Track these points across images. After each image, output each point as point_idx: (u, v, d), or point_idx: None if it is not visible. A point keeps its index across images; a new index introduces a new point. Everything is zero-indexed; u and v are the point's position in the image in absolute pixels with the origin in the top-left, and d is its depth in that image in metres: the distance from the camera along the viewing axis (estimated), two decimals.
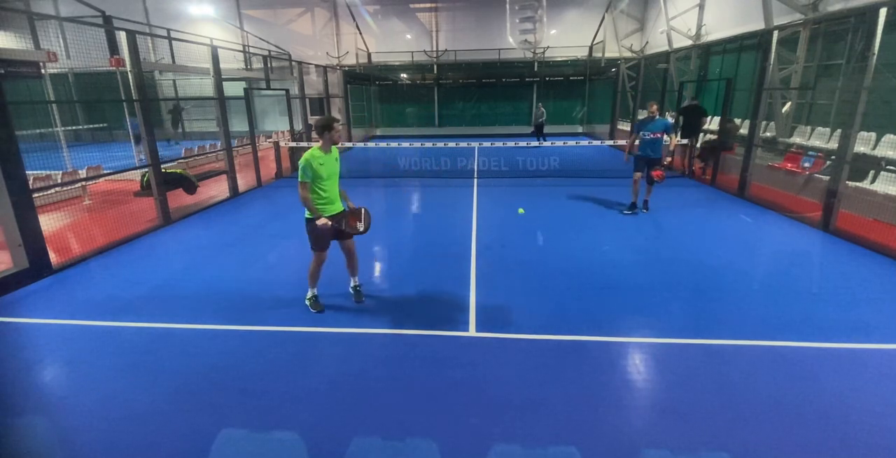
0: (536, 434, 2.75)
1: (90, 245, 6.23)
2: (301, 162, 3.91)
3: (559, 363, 3.51)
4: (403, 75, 22.02)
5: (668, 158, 7.41)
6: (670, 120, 9.08)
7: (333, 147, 4.11)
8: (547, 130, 16.73)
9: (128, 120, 13.10)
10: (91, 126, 20.42)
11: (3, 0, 13.31)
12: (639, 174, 7.40)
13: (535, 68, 21.38)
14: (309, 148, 4.27)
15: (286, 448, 2.71)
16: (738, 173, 8.92)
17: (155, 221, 7.33)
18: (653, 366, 3.47)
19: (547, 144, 15.59)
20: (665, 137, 7.33)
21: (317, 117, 4.23)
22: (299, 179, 3.94)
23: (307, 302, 4.43)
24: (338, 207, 4.23)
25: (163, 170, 7.52)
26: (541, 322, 4.11)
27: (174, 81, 22.16)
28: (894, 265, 5.33)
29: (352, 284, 4.66)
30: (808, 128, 9.60)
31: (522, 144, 13.84)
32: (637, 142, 7.47)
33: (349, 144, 15.13)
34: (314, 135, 4.08)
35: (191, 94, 21.17)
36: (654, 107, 7.30)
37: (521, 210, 3.29)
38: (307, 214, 4.12)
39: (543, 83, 21.45)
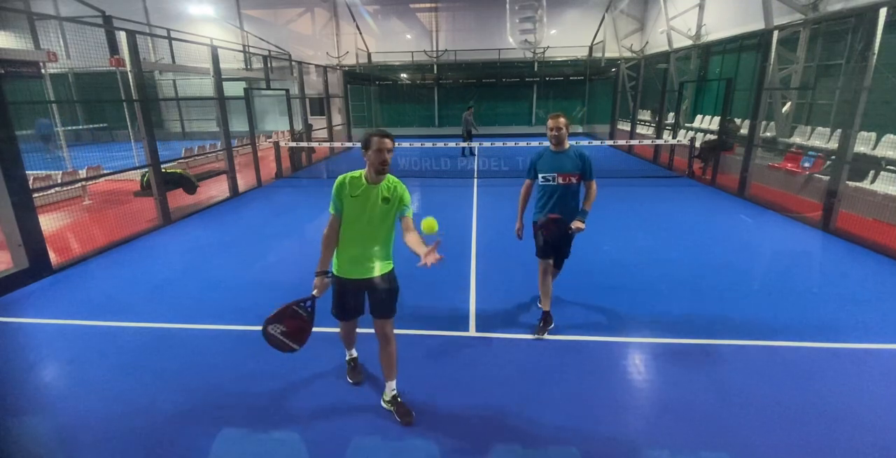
0: (537, 434, 2.75)
1: (90, 245, 6.22)
2: (335, 185, 2.70)
3: (559, 363, 3.50)
4: (403, 75, 22.02)
5: (579, 224, 3.67)
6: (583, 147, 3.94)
7: (391, 178, 2.73)
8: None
9: (38, 121, 12.93)
10: (91, 126, 20.44)
11: (3, 0, 13.31)
12: (548, 262, 3.90)
13: (535, 68, 21.39)
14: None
15: (286, 448, 2.71)
16: (738, 173, 8.92)
17: (155, 221, 7.33)
18: (653, 366, 3.47)
19: (475, 144, 14.58)
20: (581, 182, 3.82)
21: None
22: (330, 208, 2.75)
23: (347, 363, 3.39)
24: (367, 270, 2.79)
25: (163, 170, 7.53)
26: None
27: (174, 81, 22.17)
28: (894, 265, 5.33)
29: (386, 392, 3.00)
30: (808, 128, 9.61)
31: (522, 144, 13.85)
32: (529, 194, 4.01)
33: (349, 144, 15.14)
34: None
35: (191, 94, 21.17)
36: (562, 119, 3.66)
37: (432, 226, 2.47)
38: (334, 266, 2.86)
39: (543, 83, 21.46)
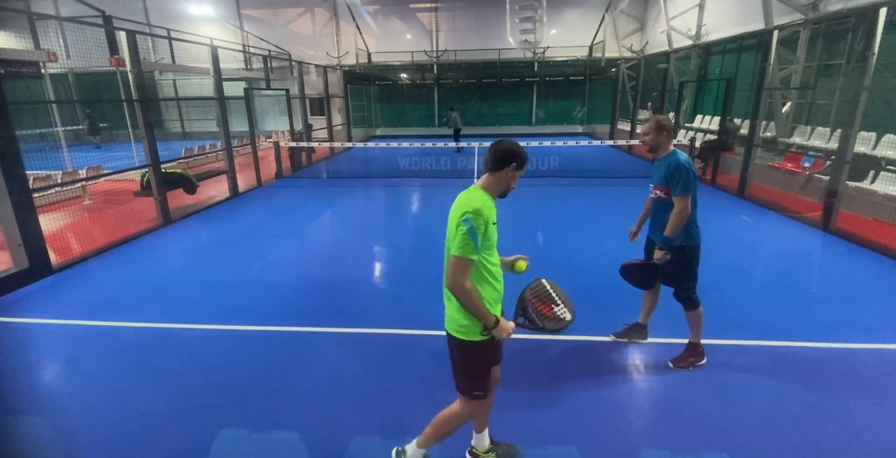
0: (537, 434, 2.75)
1: (90, 245, 6.22)
2: (469, 214, 2.00)
3: (559, 363, 3.50)
4: (403, 75, 22.03)
5: (659, 254, 3.19)
6: (682, 156, 3.16)
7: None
8: (547, 129, 16.73)
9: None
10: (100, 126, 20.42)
11: (3, 0, 13.31)
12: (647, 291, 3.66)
13: (535, 68, 21.40)
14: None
15: (286, 448, 2.71)
16: (738, 173, 8.92)
17: (155, 221, 7.33)
18: (653, 366, 3.46)
19: (463, 144, 15.51)
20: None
21: (499, 144, 2.20)
22: (460, 253, 2.00)
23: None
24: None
25: (163, 170, 7.53)
26: None
27: (174, 81, 22.17)
28: (894, 265, 5.33)
29: (480, 441, 2.55)
30: (808, 128, 9.61)
31: (522, 144, 13.88)
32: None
33: (349, 144, 15.15)
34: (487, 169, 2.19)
35: (191, 94, 21.17)
36: (650, 123, 3.24)
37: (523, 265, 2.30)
38: (465, 333, 2.13)
39: (543, 83, 21.47)
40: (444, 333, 2.24)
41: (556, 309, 2.25)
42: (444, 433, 2.35)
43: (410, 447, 2.42)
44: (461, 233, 1.99)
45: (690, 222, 3.14)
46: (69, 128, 17.53)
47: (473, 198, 2.08)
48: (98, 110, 19.72)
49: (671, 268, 3.23)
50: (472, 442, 2.56)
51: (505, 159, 2.14)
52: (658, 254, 3.18)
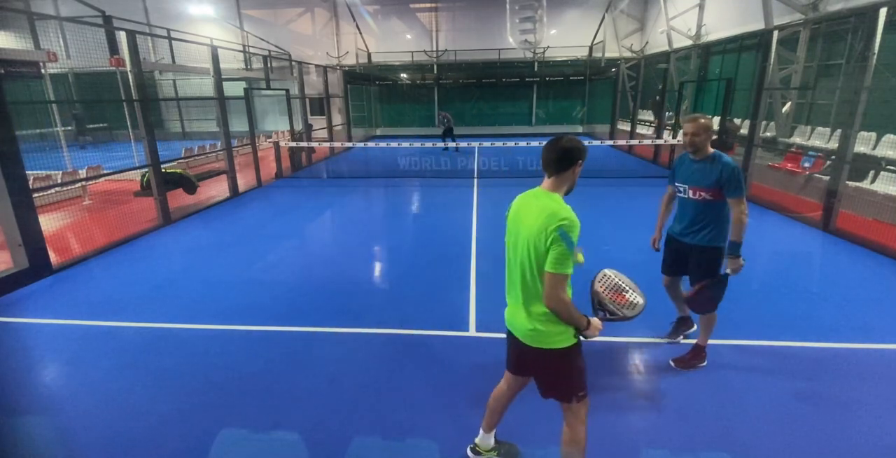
0: (536, 434, 2.75)
1: (90, 245, 6.22)
2: (565, 226, 1.90)
3: None
4: (403, 75, 22.03)
5: (734, 264, 3.07)
6: (729, 158, 3.09)
7: None
8: (547, 129, 16.74)
9: None
10: (91, 126, 20.43)
11: (3, 0, 13.31)
12: (667, 279, 3.72)
13: (535, 68, 21.39)
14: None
15: (286, 448, 2.71)
16: None
17: (155, 221, 7.33)
18: (653, 366, 3.46)
19: (452, 144, 15.51)
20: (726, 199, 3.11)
21: (557, 141, 2.05)
22: (560, 270, 1.92)
23: None
24: None
25: (163, 170, 7.53)
26: None
27: (174, 80, 22.18)
28: (894, 265, 5.33)
29: (485, 440, 2.57)
30: (808, 128, 9.61)
31: (523, 144, 13.86)
32: (671, 202, 3.58)
33: (349, 144, 15.15)
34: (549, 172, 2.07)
35: (191, 94, 21.17)
36: (702, 121, 3.07)
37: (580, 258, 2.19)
38: (562, 340, 2.10)
39: (543, 83, 21.46)
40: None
41: (628, 296, 2.19)
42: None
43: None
44: (560, 249, 1.89)
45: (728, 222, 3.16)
46: (69, 128, 17.53)
47: (560, 206, 1.97)
48: (87, 110, 19.71)
49: (708, 268, 3.18)
50: (477, 440, 2.56)
51: (571, 159, 2.02)
52: (736, 264, 3.05)
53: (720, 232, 3.16)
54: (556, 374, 2.18)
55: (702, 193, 3.13)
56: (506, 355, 2.38)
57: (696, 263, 3.26)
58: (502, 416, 2.49)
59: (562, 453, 2.24)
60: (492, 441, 2.55)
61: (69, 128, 19.04)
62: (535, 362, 2.19)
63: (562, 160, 2.01)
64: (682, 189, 3.26)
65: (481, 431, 2.54)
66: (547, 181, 2.07)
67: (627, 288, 2.20)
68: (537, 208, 2.00)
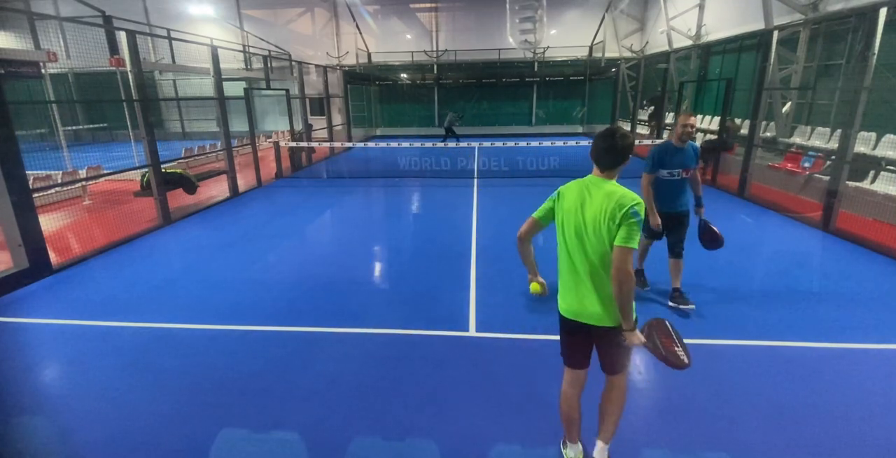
0: (536, 434, 2.75)
1: (90, 245, 6.22)
2: (637, 206, 2.09)
3: (559, 363, 3.49)
4: (403, 75, 22.02)
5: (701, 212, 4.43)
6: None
7: None
8: (547, 129, 16.75)
9: None
10: (91, 126, 20.44)
11: (3, 0, 13.31)
12: (647, 242, 4.66)
13: (535, 68, 21.39)
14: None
15: (286, 448, 2.71)
16: (738, 173, 8.92)
17: (155, 221, 7.33)
18: (653, 366, 3.46)
19: (452, 144, 15.78)
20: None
21: (616, 139, 2.14)
22: (630, 244, 2.09)
23: None
24: None
25: (163, 170, 7.53)
26: (541, 322, 4.10)
27: (174, 81, 22.18)
28: (894, 265, 5.33)
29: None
30: (808, 128, 9.60)
31: (523, 144, 13.86)
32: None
33: (349, 144, 15.15)
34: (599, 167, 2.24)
35: (191, 94, 21.17)
36: (692, 119, 4.06)
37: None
38: (623, 323, 2.24)
39: (543, 83, 21.46)
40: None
41: (676, 349, 2.26)
42: (621, 415, 2.45)
43: (599, 451, 2.44)
44: (632, 223, 2.07)
45: None
46: (69, 128, 17.53)
47: (625, 191, 2.15)
48: (87, 110, 19.70)
49: (682, 227, 4.32)
50: (595, 454, 2.48)
51: (626, 155, 2.18)
52: (701, 211, 4.39)
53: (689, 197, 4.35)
54: (621, 351, 2.34)
55: (689, 172, 4.18)
56: (566, 353, 2.50)
57: (681, 223, 4.32)
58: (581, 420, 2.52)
59: (614, 412, 2.43)
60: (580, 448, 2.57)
61: (69, 128, 19.08)
62: (608, 342, 2.32)
63: (622, 156, 2.18)
64: (675, 173, 4.14)
65: (580, 444, 2.54)
66: (604, 172, 2.22)
67: (679, 344, 2.27)
68: (604, 193, 2.15)
